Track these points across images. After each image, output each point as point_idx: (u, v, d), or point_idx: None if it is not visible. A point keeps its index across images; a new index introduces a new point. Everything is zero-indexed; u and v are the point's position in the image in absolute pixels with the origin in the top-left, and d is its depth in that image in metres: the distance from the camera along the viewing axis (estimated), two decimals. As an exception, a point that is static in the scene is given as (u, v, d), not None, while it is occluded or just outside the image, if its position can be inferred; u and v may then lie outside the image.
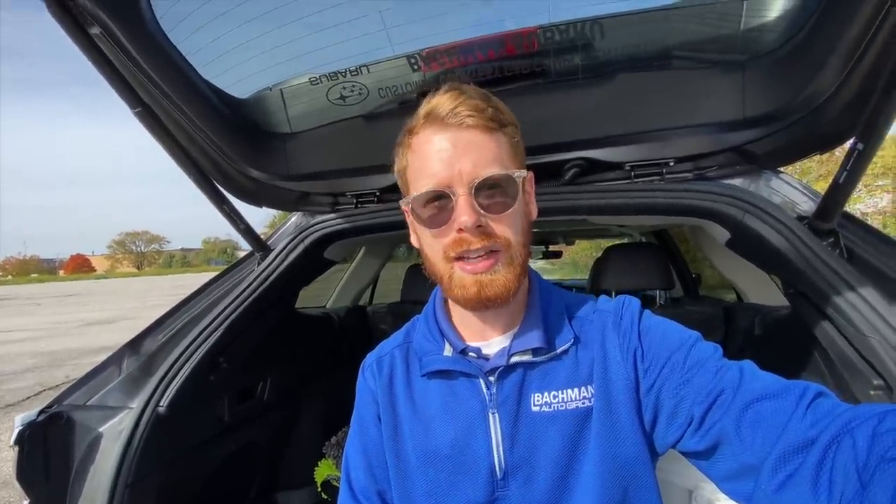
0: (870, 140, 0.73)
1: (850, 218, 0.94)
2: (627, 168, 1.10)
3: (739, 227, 1.01)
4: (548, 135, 1.06)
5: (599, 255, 1.93)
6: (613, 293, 1.74)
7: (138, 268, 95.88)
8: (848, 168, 0.79)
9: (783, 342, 1.27)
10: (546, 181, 1.14)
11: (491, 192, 0.59)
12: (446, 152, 0.59)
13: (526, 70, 1.05)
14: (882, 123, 0.70)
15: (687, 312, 1.69)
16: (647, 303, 1.74)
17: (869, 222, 1.02)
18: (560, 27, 0.97)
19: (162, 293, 23.29)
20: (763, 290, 1.49)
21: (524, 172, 0.63)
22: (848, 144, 0.81)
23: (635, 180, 1.10)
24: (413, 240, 0.71)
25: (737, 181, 1.05)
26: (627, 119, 1.02)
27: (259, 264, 1.39)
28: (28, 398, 5.34)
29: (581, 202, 1.13)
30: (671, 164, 1.08)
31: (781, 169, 1.04)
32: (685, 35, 0.91)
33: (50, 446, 1.09)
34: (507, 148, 0.62)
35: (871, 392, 0.77)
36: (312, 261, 1.46)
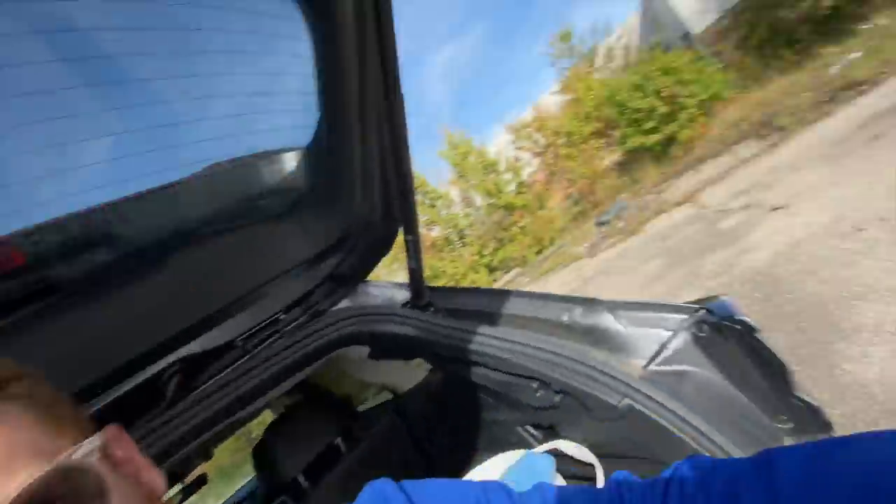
0: (413, 231, 0.93)
1: (432, 288, 1.17)
2: (240, 343, 0.93)
3: (373, 337, 1.06)
4: (109, 357, 0.73)
5: (256, 440, 1.55)
6: (301, 476, 1.44)
7: None
8: (412, 255, 0.98)
9: (459, 398, 1.41)
10: (141, 417, 0.78)
11: None
12: None
13: (22, 292, 0.68)
14: (413, 216, 0.90)
15: (378, 441, 1.60)
16: (335, 455, 1.54)
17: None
18: (48, 225, 0.70)
19: None
20: (413, 373, 1.64)
21: (96, 437, 0.34)
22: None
23: (255, 351, 0.94)
24: None
25: (345, 303, 1.10)
26: (213, 294, 0.86)
27: None
28: None
29: (205, 414, 0.84)
30: (282, 316, 1.00)
31: (368, 279, 1.18)
32: (230, 196, 0.85)
33: None
34: (31, 420, 0.31)
35: (537, 394, 0.95)
36: None
